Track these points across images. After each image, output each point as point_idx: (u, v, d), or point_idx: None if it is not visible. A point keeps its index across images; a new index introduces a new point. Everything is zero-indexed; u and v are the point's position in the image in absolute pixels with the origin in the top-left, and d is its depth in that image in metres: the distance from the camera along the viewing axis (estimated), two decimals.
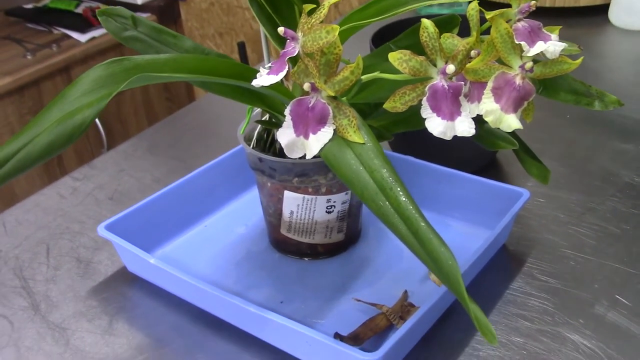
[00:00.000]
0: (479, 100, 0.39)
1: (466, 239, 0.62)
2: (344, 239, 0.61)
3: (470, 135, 0.39)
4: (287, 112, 0.39)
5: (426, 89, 0.38)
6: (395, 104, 0.39)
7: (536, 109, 0.83)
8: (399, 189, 0.37)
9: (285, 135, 0.40)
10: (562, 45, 0.39)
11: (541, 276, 0.58)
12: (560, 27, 0.41)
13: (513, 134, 0.44)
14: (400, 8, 0.44)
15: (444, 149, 0.59)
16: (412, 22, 0.54)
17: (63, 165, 1.82)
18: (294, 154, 0.40)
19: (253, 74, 0.42)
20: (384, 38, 0.69)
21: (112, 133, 1.92)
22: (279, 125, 0.52)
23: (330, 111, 0.39)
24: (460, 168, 0.64)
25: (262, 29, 0.52)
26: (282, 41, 0.42)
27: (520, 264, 0.59)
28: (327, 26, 0.36)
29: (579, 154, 0.76)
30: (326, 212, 0.58)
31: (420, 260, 0.37)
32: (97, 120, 1.85)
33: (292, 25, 0.51)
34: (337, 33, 0.36)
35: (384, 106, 0.39)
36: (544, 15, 1.15)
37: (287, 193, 0.57)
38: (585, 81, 0.94)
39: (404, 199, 0.36)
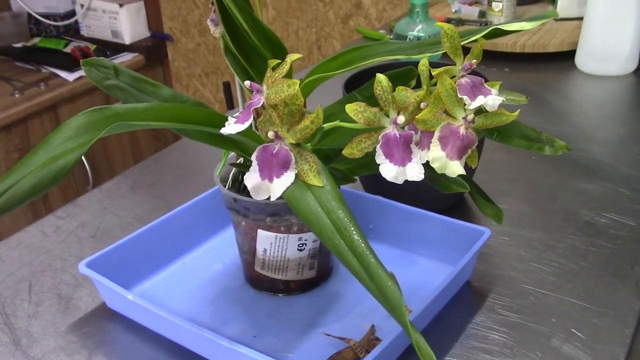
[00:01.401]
0: (429, 147, 0.42)
1: (431, 275, 0.65)
2: (316, 276, 0.64)
3: (420, 179, 0.42)
4: (253, 157, 0.43)
5: (380, 137, 0.42)
6: (352, 151, 0.43)
7: (503, 151, 0.88)
8: (352, 228, 0.40)
9: (251, 179, 0.43)
10: (500, 99, 0.43)
11: (502, 311, 0.61)
12: (501, 82, 0.45)
13: (466, 177, 0.47)
14: (363, 61, 0.48)
15: (413, 189, 0.63)
16: (383, 69, 0.58)
17: (48, 202, 1.84)
18: (259, 196, 0.43)
19: (225, 121, 0.46)
20: (357, 83, 0.73)
21: (97, 170, 1.95)
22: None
23: (293, 157, 0.43)
24: (429, 207, 0.67)
25: (236, 79, 0.56)
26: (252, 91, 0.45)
27: (482, 299, 0.62)
28: (288, 81, 0.40)
29: (542, 194, 0.79)
30: (298, 249, 0.61)
31: (370, 293, 0.40)
32: (83, 157, 1.88)
33: (264, 75, 0.55)
34: (297, 87, 0.40)
35: (343, 152, 0.43)
36: (514, 60, 1.20)
37: (260, 232, 0.60)
38: (551, 122, 0.98)
39: (356, 237, 0.40)
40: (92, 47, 2.03)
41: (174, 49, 2.20)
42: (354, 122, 0.44)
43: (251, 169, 0.43)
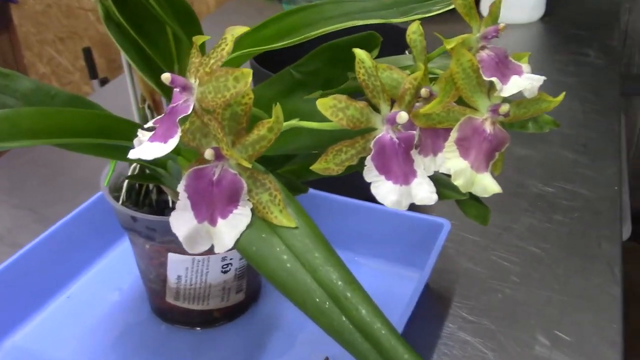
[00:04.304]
0: (434, 152, 0.30)
1: (381, 279, 0.54)
2: (244, 299, 0.51)
3: (433, 202, 0.30)
4: (180, 188, 0.28)
5: (371, 144, 0.28)
6: (327, 165, 0.29)
7: None
8: (356, 294, 0.27)
9: (182, 222, 0.28)
10: (540, 78, 0.31)
11: (471, 317, 0.51)
12: (530, 53, 0.34)
13: None
14: (313, 30, 0.34)
15: (351, 179, 0.51)
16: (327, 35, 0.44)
17: None
18: (197, 248, 0.28)
19: (127, 127, 0.31)
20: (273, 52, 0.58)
21: None
22: (160, 179, 0.41)
23: (244, 184, 0.28)
24: (370, 199, 0.56)
25: (123, 57, 0.41)
26: (158, 81, 0.31)
27: (446, 305, 0.53)
28: (236, 71, 0.25)
29: None
30: (222, 272, 0.47)
31: None
32: None
33: (165, 51, 0.40)
34: (249, 79, 0.26)
35: (312, 168, 0.29)
36: None
37: (171, 256, 0.45)
38: None
39: (364, 311, 0.26)
40: None
41: (20, 12, 1.92)
42: (311, 118, 0.31)
43: (179, 205, 0.28)
